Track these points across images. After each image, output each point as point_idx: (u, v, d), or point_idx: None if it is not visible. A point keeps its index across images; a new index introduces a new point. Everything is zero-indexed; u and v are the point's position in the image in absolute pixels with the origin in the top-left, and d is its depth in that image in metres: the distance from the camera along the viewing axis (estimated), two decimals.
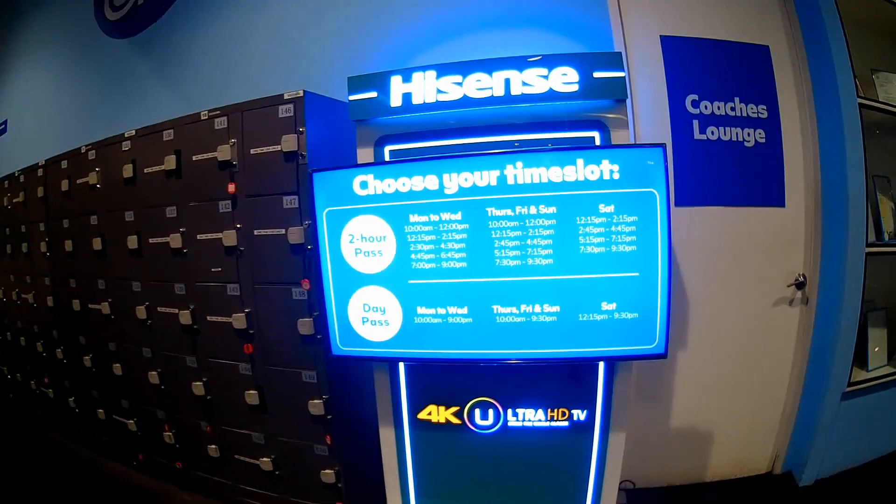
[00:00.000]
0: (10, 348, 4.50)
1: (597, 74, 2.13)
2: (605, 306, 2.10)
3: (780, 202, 2.74)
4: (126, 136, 3.03)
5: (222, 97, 2.75)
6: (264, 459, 2.78)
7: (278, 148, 2.43)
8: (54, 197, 3.59)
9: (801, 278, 2.76)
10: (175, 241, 2.77)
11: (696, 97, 2.65)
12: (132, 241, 2.97)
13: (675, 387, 2.90)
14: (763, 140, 2.70)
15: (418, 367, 2.38)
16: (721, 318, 2.82)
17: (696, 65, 2.67)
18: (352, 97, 2.26)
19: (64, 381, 3.85)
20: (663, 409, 2.93)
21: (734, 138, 2.67)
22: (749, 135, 2.68)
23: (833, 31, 2.59)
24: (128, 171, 2.98)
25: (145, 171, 2.92)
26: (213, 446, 2.94)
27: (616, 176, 2.02)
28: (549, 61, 2.15)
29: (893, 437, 2.97)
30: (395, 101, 2.22)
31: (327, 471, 2.64)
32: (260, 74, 3.35)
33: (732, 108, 2.67)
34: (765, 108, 2.70)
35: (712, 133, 2.66)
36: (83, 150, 3.31)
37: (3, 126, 5.74)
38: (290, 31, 3.37)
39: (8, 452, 3.88)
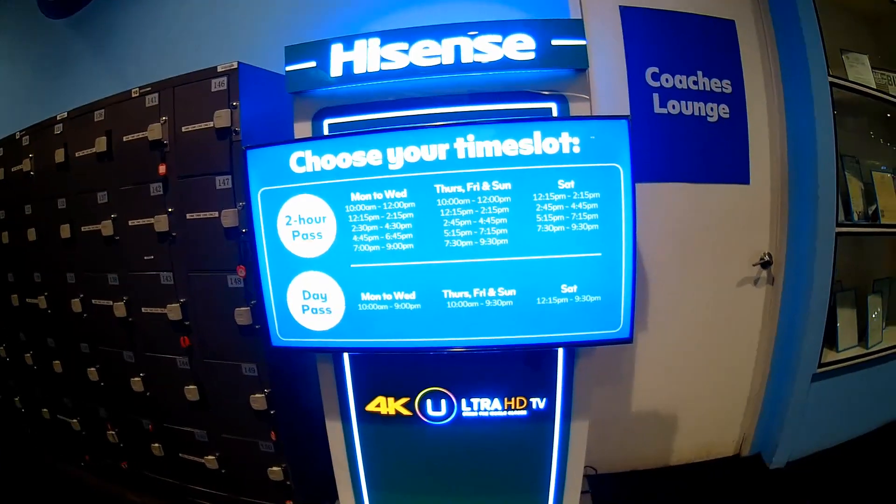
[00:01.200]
0: None
1: (555, 42, 1.87)
2: (565, 289, 1.85)
3: (744, 179, 2.52)
4: (58, 118, 2.68)
5: (156, 74, 2.41)
6: (209, 458, 2.48)
7: (211, 125, 2.11)
8: None
9: (767, 257, 2.55)
10: (107, 228, 2.43)
11: (656, 70, 2.41)
12: (65, 230, 2.62)
13: (636, 369, 2.68)
14: (727, 115, 2.47)
15: (364, 358, 2.10)
16: (684, 298, 2.60)
17: (657, 37, 2.43)
18: (289, 68, 1.96)
19: (8, 380, 3.47)
20: (624, 391, 2.71)
21: (696, 113, 2.44)
22: (712, 109, 2.45)
23: (804, 5, 2.37)
24: (60, 155, 2.62)
25: (77, 154, 2.58)
26: (157, 445, 2.62)
27: (577, 150, 1.77)
28: (504, 27, 1.88)
29: (866, 419, 2.80)
30: (336, 70, 1.93)
31: (275, 468, 2.35)
32: (197, 49, 2.94)
33: (695, 82, 2.43)
34: (729, 82, 2.47)
35: (673, 107, 2.42)
36: (17, 136, 2.94)
37: None
38: (227, 2, 3.01)
39: None
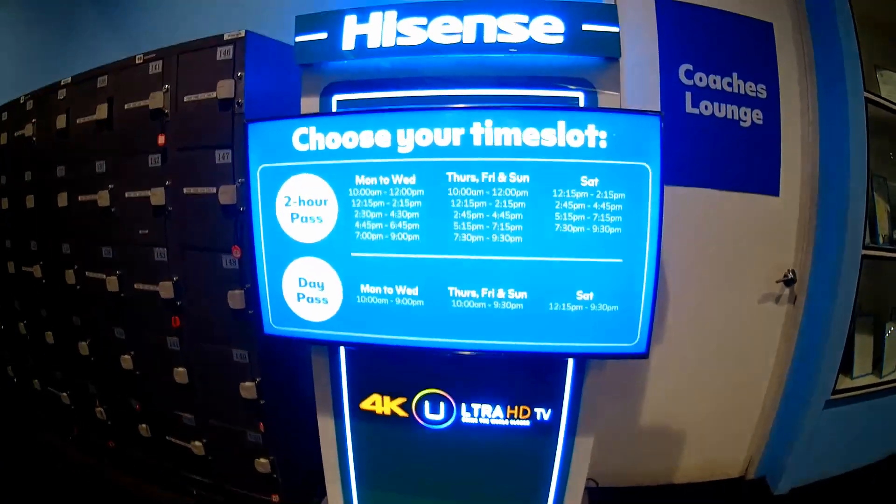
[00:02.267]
0: None
1: (586, 27, 1.65)
2: (580, 295, 1.64)
3: (774, 190, 2.29)
4: (62, 83, 2.48)
5: (167, 41, 2.21)
6: (196, 443, 2.29)
7: (213, 95, 1.90)
8: None
9: (791, 275, 2.32)
10: (103, 199, 2.22)
11: (690, 67, 2.18)
12: (62, 199, 2.42)
13: (645, 380, 2.46)
14: (760, 121, 2.24)
15: (361, 353, 1.89)
16: (701, 310, 2.38)
17: (693, 33, 2.20)
18: (298, 38, 1.75)
19: (2, 349, 3.29)
20: (631, 402, 2.49)
21: (730, 116, 2.21)
22: (746, 114, 2.22)
23: (843, 18, 2.14)
24: (61, 121, 2.42)
25: (77, 121, 2.37)
26: (144, 426, 2.43)
27: (603, 145, 1.56)
28: (532, 7, 1.66)
29: (872, 448, 2.56)
30: (348, 43, 1.72)
31: (262, 460, 2.16)
32: (207, 17, 2.69)
33: (730, 84, 2.20)
34: (764, 87, 2.24)
35: (706, 108, 2.19)
36: (22, 101, 2.75)
37: None
38: None
39: None
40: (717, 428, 2.53)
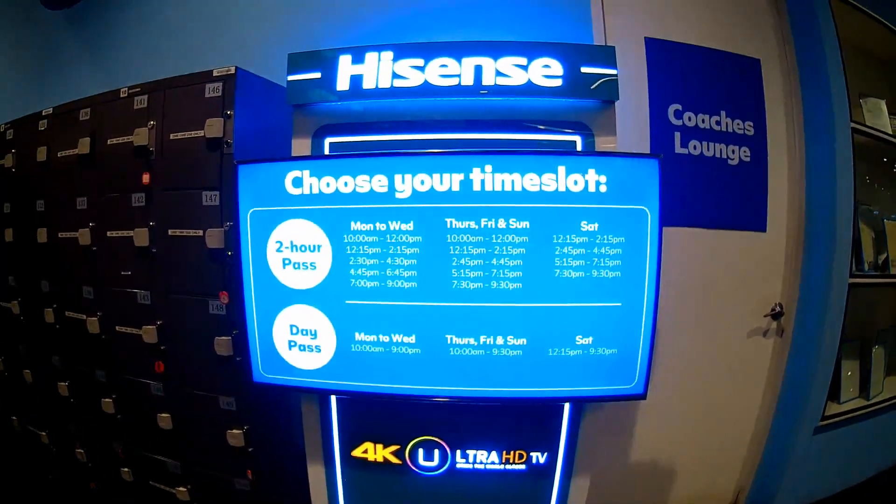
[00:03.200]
0: None
1: (585, 70, 1.60)
2: (580, 340, 1.56)
3: (761, 226, 2.24)
4: (44, 114, 2.34)
5: (149, 73, 2.09)
6: (181, 489, 2.12)
7: (201, 133, 1.78)
8: None
9: (778, 308, 2.27)
10: (84, 237, 2.08)
11: (679, 107, 2.13)
12: (42, 234, 2.26)
13: (636, 413, 2.37)
14: (748, 159, 2.19)
15: (354, 401, 1.77)
16: (691, 345, 2.30)
17: (682, 72, 2.15)
18: (291, 77, 1.66)
19: None
20: (623, 436, 2.40)
21: (718, 155, 2.15)
22: (734, 152, 2.17)
23: (830, 48, 2.13)
24: (42, 153, 2.28)
25: (59, 155, 2.23)
26: (127, 470, 2.26)
27: (603, 189, 1.49)
28: (531, 50, 1.60)
29: (862, 467, 2.53)
30: (343, 84, 1.63)
31: None
32: (195, 52, 2.59)
33: (718, 122, 2.15)
34: (752, 124, 2.20)
35: (694, 148, 2.14)
36: (2, 129, 2.59)
37: None
38: (228, 3, 2.65)
39: None
40: (707, 458, 2.45)
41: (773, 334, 2.33)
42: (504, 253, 1.51)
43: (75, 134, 2.14)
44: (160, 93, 1.92)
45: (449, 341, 1.57)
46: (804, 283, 2.27)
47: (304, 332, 1.62)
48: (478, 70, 1.60)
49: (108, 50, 2.88)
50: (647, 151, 2.06)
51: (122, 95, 2.03)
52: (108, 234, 2.02)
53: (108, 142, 2.04)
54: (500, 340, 1.56)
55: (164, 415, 2.04)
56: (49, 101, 2.45)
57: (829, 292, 2.17)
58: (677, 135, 2.13)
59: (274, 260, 1.59)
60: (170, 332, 1.97)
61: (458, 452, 1.79)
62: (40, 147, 2.30)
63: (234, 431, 1.91)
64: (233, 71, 1.79)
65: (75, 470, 2.52)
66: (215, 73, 1.82)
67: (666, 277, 2.14)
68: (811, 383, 2.24)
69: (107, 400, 2.18)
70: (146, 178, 1.91)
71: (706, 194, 2.19)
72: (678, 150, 2.13)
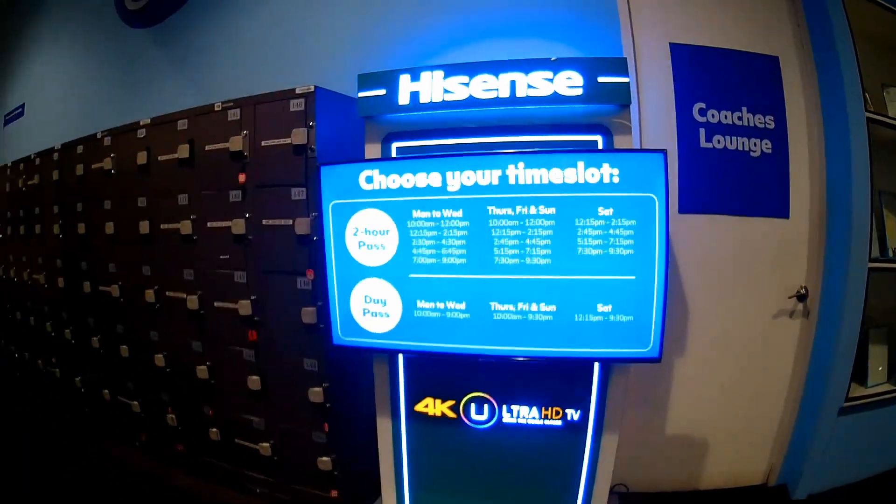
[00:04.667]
0: (20, 328, 4.69)
1: (601, 79, 2.22)
2: (600, 308, 2.19)
3: (784, 213, 2.81)
4: (141, 123, 3.19)
5: (234, 90, 2.90)
6: (264, 444, 2.91)
7: (288, 141, 2.56)
8: (69, 180, 3.77)
9: (803, 290, 2.83)
10: (185, 227, 2.92)
11: (703, 105, 2.74)
12: (144, 227, 3.13)
13: (672, 392, 2.98)
14: (769, 151, 2.78)
15: (416, 360, 2.50)
16: (721, 327, 2.90)
17: (704, 73, 2.76)
18: (361, 94, 2.38)
19: (71, 361, 4.02)
20: (659, 414, 3.01)
21: (740, 148, 2.75)
22: (755, 145, 2.76)
23: (843, 43, 2.67)
24: (142, 158, 3.14)
25: (159, 159, 3.08)
26: (215, 430, 3.08)
27: (616, 180, 2.12)
28: (555, 65, 2.25)
29: (889, 456, 3.03)
30: (403, 99, 2.33)
31: (324, 458, 2.77)
32: (272, 69, 3.50)
33: (739, 118, 2.75)
34: (772, 118, 2.78)
35: (718, 142, 2.74)
36: (99, 136, 3.48)
37: (20, 110, 5.96)
38: (304, 27, 3.51)
39: (11, 431, 4.06)
40: (741, 437, 3.03)
41: (800, 315, 2.89)
42: (535, 234, 2.17)
43: (174, 141, 2.98)
44: (250, 107, 2.71)
45: (492, 308, 2.25)
46: (827, 267, 2.83)
47: (376, 301, 2.34)
48: (512, 84, 2.26)
49: (194, 67, 3.78)
50: (675, 147, 2.68)
51: (216, 109, 2.83)
52: (208, 224, 2.85)
53: (206, 147, 2.85)
54: (534, 307, 2.22)
55: (253, 377, 2.84)
56: (138, 112, 3.32)
57: (848, 277, 2.71)
58: (702, 131, 2.75)
59: (351, 242, 2.33)
60: (262, 305, 2.77)
61: (504, 408, 2.47)
62: (140, 152, 3.15)
63: (316, 389, 2.68)
64: (312, 89, 2.54)
65: (165, 434, 3.38)
66: (297, 91, 2.58)
67: (699, 260, 2.79)
68: (835, 363, 2.77)
69: (201, 367, 3.01)
70: (242, 177, 2.70)
71: (731, 185, 2.79)
72: (703, 144, 2.75)
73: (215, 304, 2.90)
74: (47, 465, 3.49)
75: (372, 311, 2.36)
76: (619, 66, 2.23)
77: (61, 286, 3.92)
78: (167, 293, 3.11)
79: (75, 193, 3.72)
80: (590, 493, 2.50)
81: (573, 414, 2.44)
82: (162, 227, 3.07)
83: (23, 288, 4.53)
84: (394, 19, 3.24)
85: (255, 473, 3.04)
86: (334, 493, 2.83)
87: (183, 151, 2.92)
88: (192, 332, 3.04)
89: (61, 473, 3.39)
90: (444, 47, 3.09)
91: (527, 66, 2.27)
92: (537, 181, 2.15)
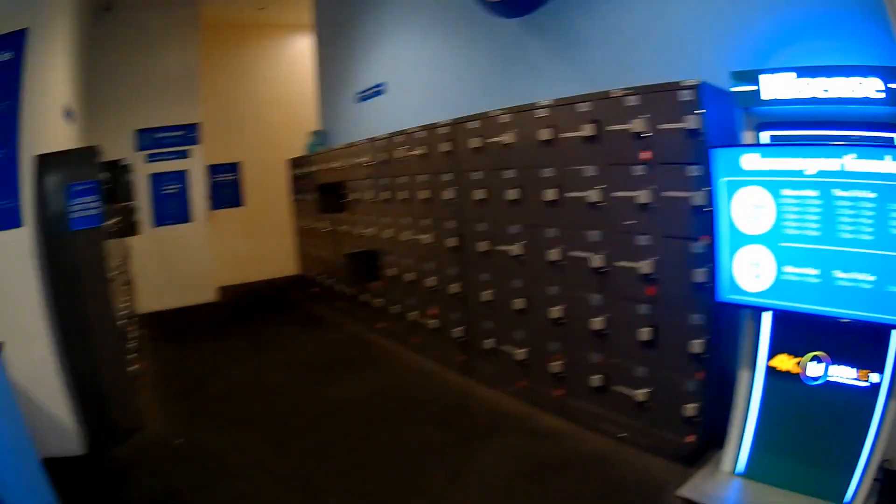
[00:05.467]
0: (392, 283, 9.35)
1: (891, 85, 4.09)
2: None
3: None
4: (540, 104, 6.47)
5: (613, 78, 5.96)
6: (641, 391, 5.57)
7: (681, 125, 5.05)
8: (462, 151, 7.51)
9: None
10: (592, 195, 5.80)
11: None
12: (550, 194, 6.29)
13: None
14: None
15: (779, 318, 4.67)
16: None
17: None
18: (734, 88, 4.73)
19: (452, 314, 7.94)
20: None
21: None
22: None
23: None
24: (544, 134, 6.31)
25: (560, 135, 6.22)
26: (598, 377, 5.97)
27: None
28: (862, 72, 4.20)
29: None
30: (766, 94, 4.58)
31: (691, 405, 5.16)
32: (648, 59, 6.39)
33: None
34: None
35: None
36: (494, 115, 7.04)
37: (382, 87, 11.50)
38: (675, 20, 6.16)
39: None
40: None
41: None
42: (862, 215, 4.01)
43: (575, 121, 6.01)
44: (646, 95, 5.38)
45: (835, 275, 4.20)
46: None
47: (754, 265, 4.54)
48: (837, 87, 4.27)
49: (571, 54, 7.38)
50: None
51: (612, 95, 5.67)
52: (613, 194, 5.73)
53: (607, 128, 5.75)
54: (861, 276, 4.07)
55: (644, 329, 5.49)
56: (509, 95, 7.57)
57: None
58: None
59: (737, 213, 4.56)
60: (661, 265, 5.37)
61: (833, 367, 4.41)
62: (541, 129, 6.39)
63: (697, 341, 5.09)
64: (697, 82, 4.95)
65: (544, 380, 6.65)
66: (683, 84, 5.06)
67: None
68: None
69: (596, 319, 5.92)
70: (646, 155, 5.37)
71: None
72: None
73: (615, 263, 5.69)
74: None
75: (750, 272, 4.57)
76: None
77: (450, 246, 7.82)
78: (570, 253, 6.12)
79: (471, 163, 7.41)
80: (870, 460, 4.23)
81: (875, 377, 4.25)
82: (566, 194, 6.13)
83: (399, 247, 9.20)
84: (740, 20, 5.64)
85: (623, 418, 5.81)
86: (691, 438, 5.22)
87: (587, 130, 5.81)
88: (593, 287, 5.93)
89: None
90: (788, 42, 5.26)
91: (849, 71, 4.25)
92: (865, 170, 3.99)
